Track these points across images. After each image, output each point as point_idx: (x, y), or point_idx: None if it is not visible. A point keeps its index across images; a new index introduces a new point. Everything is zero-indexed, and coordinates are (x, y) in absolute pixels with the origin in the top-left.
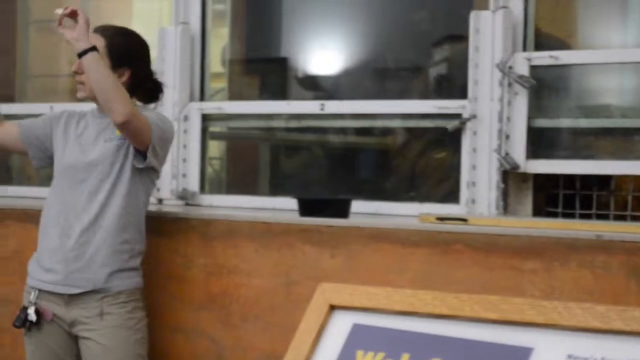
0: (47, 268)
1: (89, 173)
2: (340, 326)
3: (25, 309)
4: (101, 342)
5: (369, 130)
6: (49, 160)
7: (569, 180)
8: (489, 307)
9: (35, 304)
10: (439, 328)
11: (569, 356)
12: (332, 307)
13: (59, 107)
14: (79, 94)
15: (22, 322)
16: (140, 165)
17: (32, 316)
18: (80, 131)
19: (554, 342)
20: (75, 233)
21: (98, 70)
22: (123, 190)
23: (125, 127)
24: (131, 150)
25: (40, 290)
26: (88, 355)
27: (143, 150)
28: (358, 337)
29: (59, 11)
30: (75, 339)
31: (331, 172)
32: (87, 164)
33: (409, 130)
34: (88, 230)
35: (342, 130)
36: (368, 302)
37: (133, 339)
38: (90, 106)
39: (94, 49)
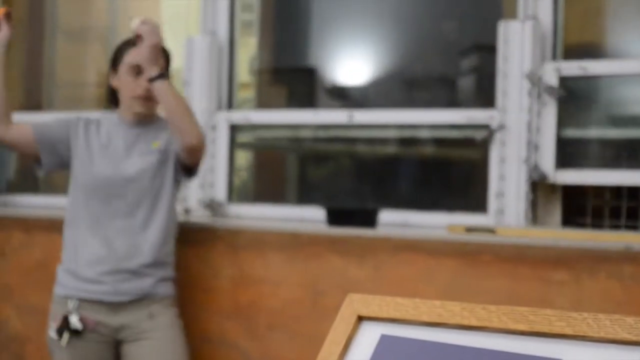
0: (90, 279)
1: (126, 187)
2: (368, 337)
3: (66, 318)
4: (154, 338)
5: (397, 140)
6: (59, 166)
7: (599, 191)
8: (518, 318)
9: (76, 313)
10: (467, 339)
11: None
12: (360, 318)
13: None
14: (142, 109)
15: (63, 331)
16: (189, 179)
17: (76, 324)
18: (104, 141)
19: (583, 354)
20: (120, 245)
21: (171, 96)
22: (166, 204)
23: (196, 149)
24: (172, 164)
25: (80, 300)
26: (141, 355)
27: (193, 165)
28: (386, 348)
29: (136, 24)
30: (115, 346)
31: (359, 182)
32: (125, 179)
33: (437, 140)
34: (134, 244)
35: (370, 140)
36: (396, 313)
37: (182, 340)
38: (99, 113)
39: (163, 75)
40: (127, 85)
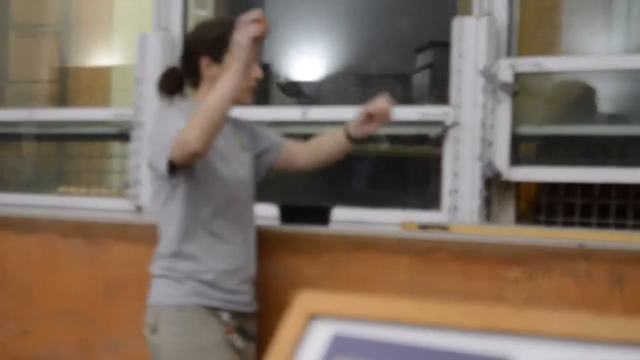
0: (230, 290)
1: (251, 189)
2: (320, 336)
3: (240, 328)
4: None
5: None
6: None
7: (554, 188)
8: (472, 316)
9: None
10: (421, 338)
11: None
12: (312, 317)
13: (39, 113)
14: (249, 101)
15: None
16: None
17: (238, 341)
18: (219, 140)
19: (537, 351)
20: (252, 251)
21: None
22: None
23: None
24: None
25: (230, 312)
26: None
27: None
28: (338, 348)
29: (382, 105)
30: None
31: (313, 179)
32: (242, 179)
33: (391, 137)
34: (252, 249)
35: None
36: (348, 311)
37: None
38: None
39: None
40: None
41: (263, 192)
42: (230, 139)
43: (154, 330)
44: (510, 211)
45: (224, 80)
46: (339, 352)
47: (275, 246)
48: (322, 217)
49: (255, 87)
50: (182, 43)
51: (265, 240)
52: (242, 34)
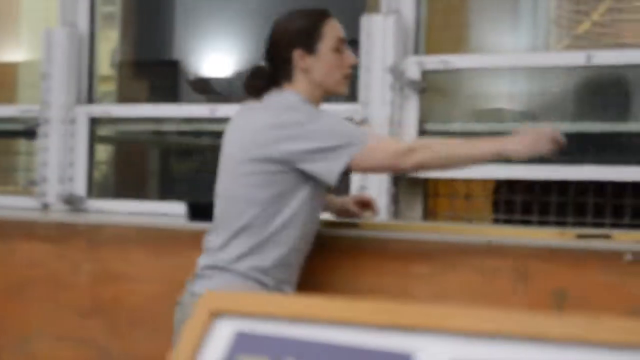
0: None
1: None
2: (223, 334)
3: None
4: None
5: None
6: None
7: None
8: (376, 312)
9: None
10: (325, 334)
11: None
12: (215, 315)
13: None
14: (344, 90)
15: None
16: None
17: None
18: None
19: (439, 347)
20: None
21: None
22: None
23: None
24: None
25: None
26: None
27: None
28: (241, 345)
29: None
30: None
31: None
32: None
33: None
34: None
35: None
36: (253, 308)
37: None
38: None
39: None
40: (334, 62)
41: (170, 189)
42: None
43: None
44: (417, 208)
45: (488, 146)
46: (242, 350)
47: (183, 244)
48: None
49: (351, 75)
50: (270, 38)
51: (171, 238)
52: (546, 144)
